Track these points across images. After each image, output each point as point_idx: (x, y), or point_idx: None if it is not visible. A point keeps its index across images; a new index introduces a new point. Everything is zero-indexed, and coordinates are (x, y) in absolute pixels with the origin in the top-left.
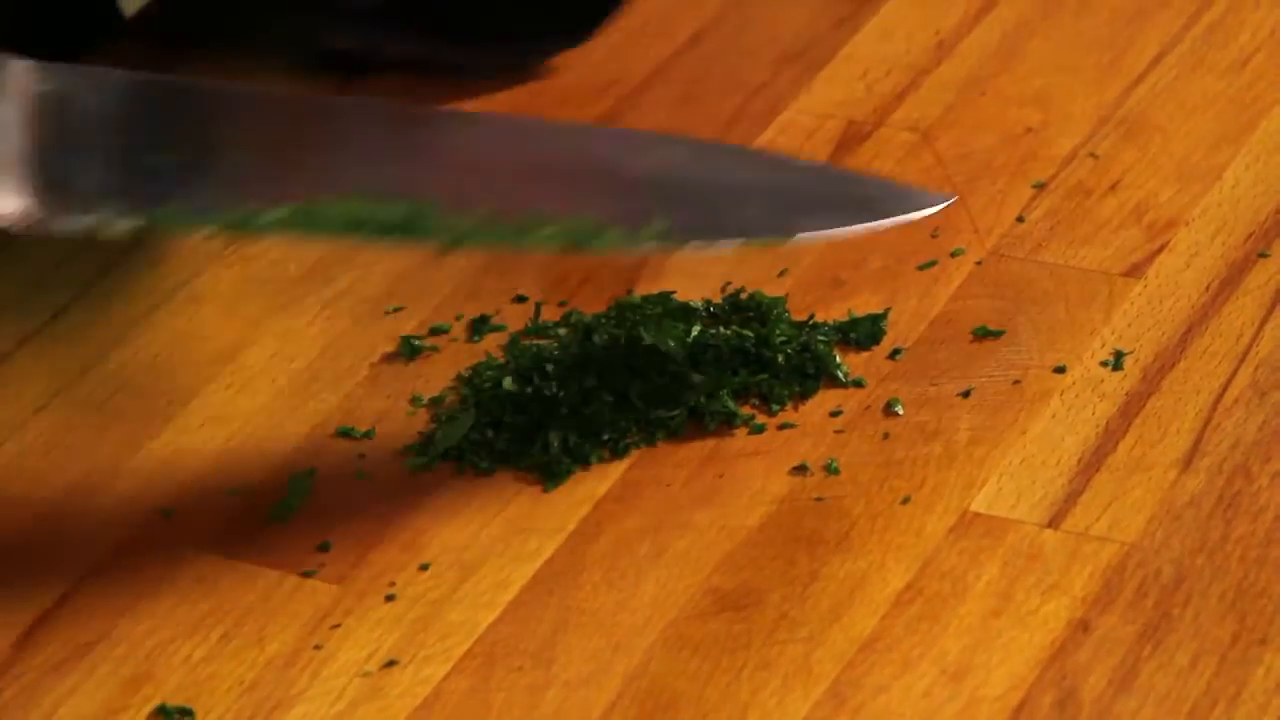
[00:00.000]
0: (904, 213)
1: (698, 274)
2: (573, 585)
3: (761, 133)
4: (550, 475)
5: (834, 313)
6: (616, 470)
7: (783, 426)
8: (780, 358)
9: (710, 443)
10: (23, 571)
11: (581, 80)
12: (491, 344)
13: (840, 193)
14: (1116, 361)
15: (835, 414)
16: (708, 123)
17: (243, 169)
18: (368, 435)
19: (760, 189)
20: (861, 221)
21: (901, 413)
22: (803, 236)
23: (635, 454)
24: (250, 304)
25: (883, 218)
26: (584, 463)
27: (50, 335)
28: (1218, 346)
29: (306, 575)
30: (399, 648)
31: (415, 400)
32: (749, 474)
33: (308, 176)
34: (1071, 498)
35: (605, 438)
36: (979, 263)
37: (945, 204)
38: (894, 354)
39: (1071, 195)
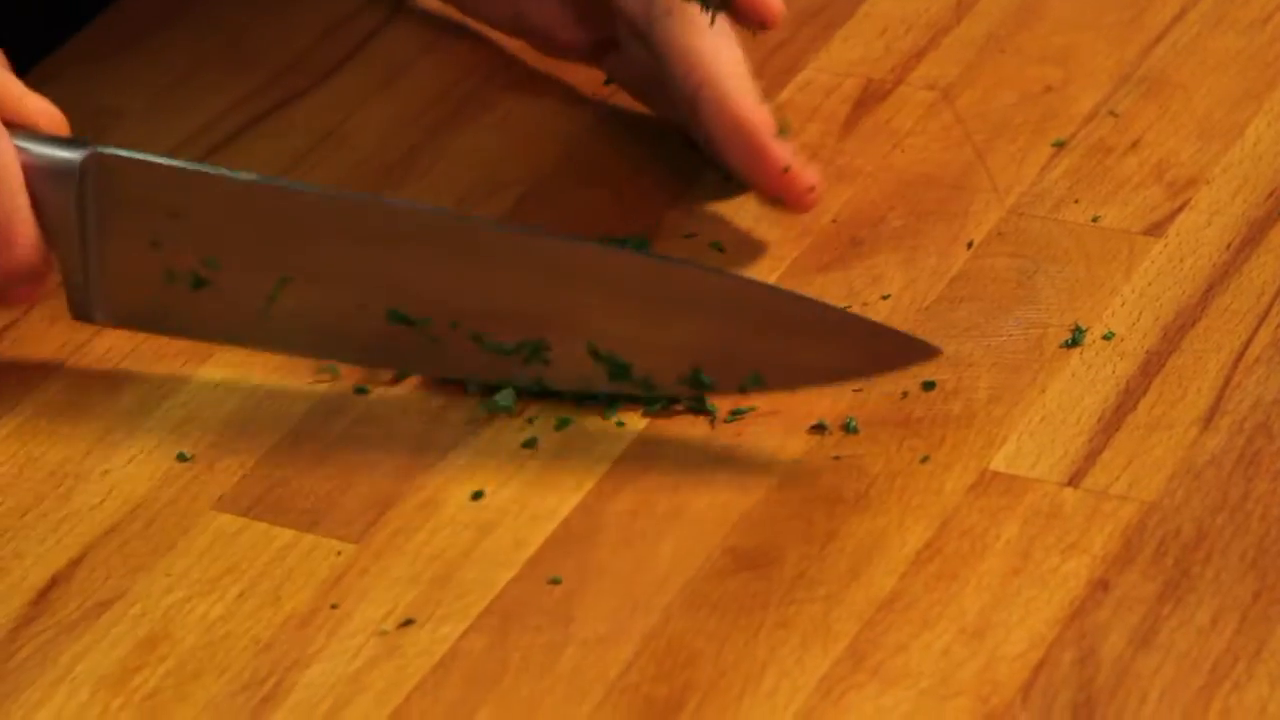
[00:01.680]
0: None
1: (716, 233)
2: (590, 544)
3: (780, 91)
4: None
5: (853, 272)
6: (634, 429)
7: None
8: None
9: (728, 401)
10: (38, 529)
11: None
12: None
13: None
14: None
15: None
16: None
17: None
18: (386, 391)
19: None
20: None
21: (920, 371)
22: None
23: (654, 413)
24: None
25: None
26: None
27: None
28: (1239, 305)
29: (324, 534)
30: (416, 606)
31: None
32: (767, 433)
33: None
34: (1091, 456)
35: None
36: (999, 221)
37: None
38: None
39: (1092, 153)
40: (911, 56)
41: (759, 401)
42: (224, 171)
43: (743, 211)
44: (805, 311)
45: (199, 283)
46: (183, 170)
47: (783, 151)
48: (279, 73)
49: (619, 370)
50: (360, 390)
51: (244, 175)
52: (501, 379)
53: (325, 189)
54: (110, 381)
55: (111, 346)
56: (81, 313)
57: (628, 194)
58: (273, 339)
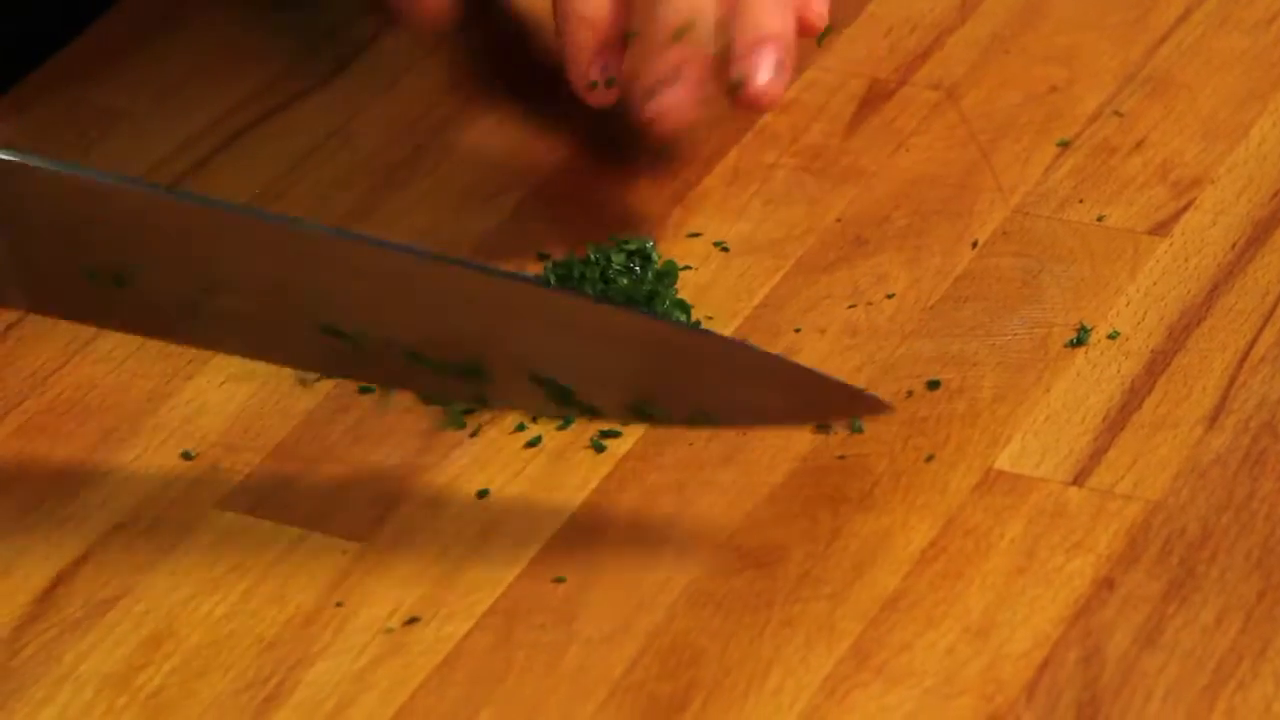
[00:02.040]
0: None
1: (720, 233)
2: (595, 543)
3: (786, 91)
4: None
5: (857, 269)
6: (639, 428)
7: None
8: None
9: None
10: (44, 528)
11: None
12: None
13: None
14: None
15: (859, 371)
16: None
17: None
18: (391, 392)
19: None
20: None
21: (925, 370)
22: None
23: None
24: None
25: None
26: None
27: None
28: (1244, 305)
29: (328, 532)
30: (421, 605)
31: None
32: (772, 432)
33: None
34: (1096, 455)
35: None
36: (1003, 221)
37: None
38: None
39: (1096, 153)
40: (916, 56)
41: None
42: (136, 183)
43: (747, 211)
44: (751, 359)
45: (120, 282)
46: (94, 181)
47: (595, 66)
48: (282, 74)
49: (561, 394)
50: (365, 389)
51: (157, 188)
52: (441, 395)
53: (242, 208)
54: (114, 380)
55: (116, 345)
56: None
57: (631, 194)
58: (200, 338)
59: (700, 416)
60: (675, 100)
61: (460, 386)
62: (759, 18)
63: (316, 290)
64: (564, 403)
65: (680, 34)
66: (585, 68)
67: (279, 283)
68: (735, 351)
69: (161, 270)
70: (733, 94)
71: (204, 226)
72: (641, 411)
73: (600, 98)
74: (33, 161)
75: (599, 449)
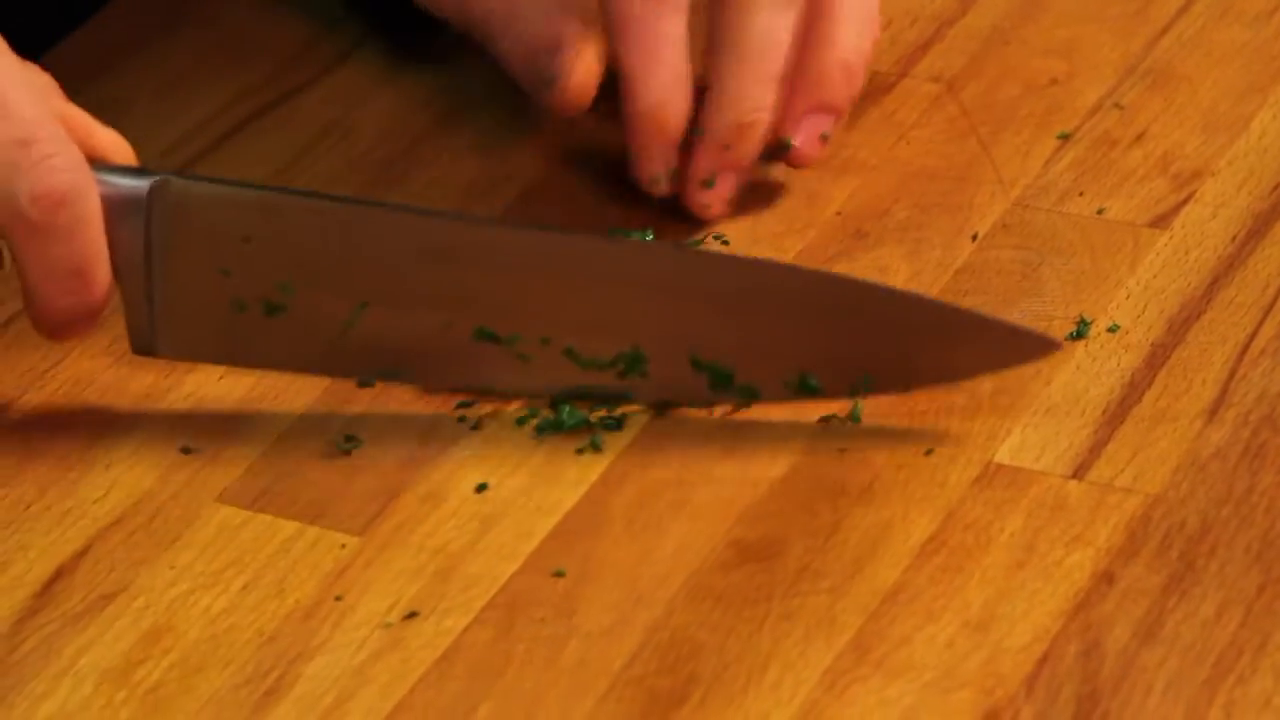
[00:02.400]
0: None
1: (720, 226)
2: (595, 537)
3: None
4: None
5: (858, 264)
6: (639, 422)
7: None
8: None
9: (732, 393)
10: (42, 522)
11: None
12: None
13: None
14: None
15: None
16: None
17: None
18: (389, 384)
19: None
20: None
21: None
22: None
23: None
24: None
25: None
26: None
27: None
28: (1244, 298)
29: (328, 527)
30: (420, 599)
31: None
32: (771, 425)
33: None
34: (1096, 449)
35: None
36: (1004, 214)
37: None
38: None
39: (1097, 146)
40: (916, 49)
41: None
42: (298, 194)
43: (748, 204)
44: (916, 311)
45: (272, 309)
46: (256, 195)
47: (660, 163)
48: (282, 66)
49: (721, 378)
50: (365, 383)
51: (319, 197)
52: (595, 392)
53: (406, 207)
54: (114, 374)
55: (115, 339)
56: (143, 346)
57: (632, 188)
58: (348, 365)
59: (863, 384)
60: (729, 191)
61: (616, 383)
62: (817, 89)
63: (474, 288)
64: (722, 386)
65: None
66: (652, 166)
67: (435, 288)
68: (904, 301)
69: (316, 288)
70: (777, 152)
71: (364, 230)
72: (804, 386)
73: (662, 190)
74: (192, 181)
75: (598, 443)
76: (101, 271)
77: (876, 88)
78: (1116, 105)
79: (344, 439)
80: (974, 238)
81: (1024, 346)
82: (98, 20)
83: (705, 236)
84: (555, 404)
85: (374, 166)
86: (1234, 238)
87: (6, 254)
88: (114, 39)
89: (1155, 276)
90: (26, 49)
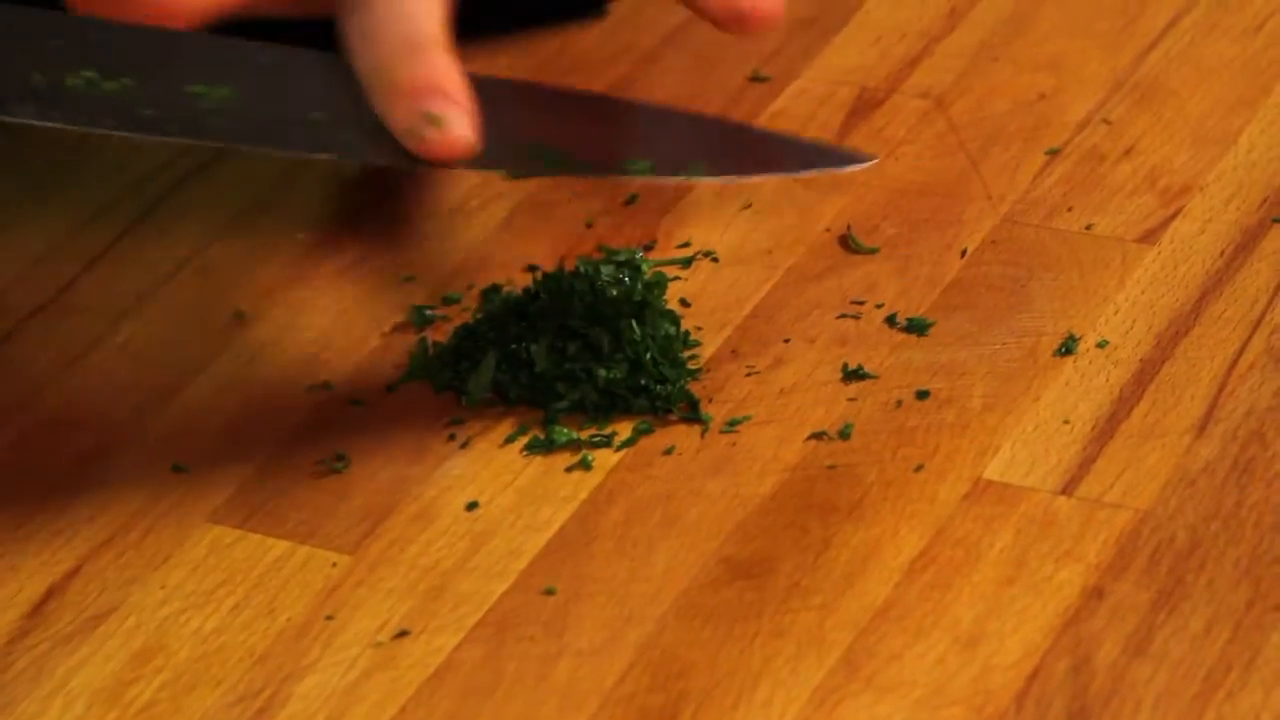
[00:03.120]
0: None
1: (710, 243)
2: (585, 555)
3: (774, 100)
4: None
5: (846, 279)
6: (628, 440)
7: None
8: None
9: (723, 410)
10: (34, 543)
11: (594, 47)
12: None
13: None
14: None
15: (848, 380)
16: (719, 90)
17: None
18: (380, 402)
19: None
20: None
21: (914, 380)
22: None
23: (646, 422)
24: (260, 274)
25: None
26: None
27: (59, 308)
28: (1232, 313)
29: (318, 545)
30: (411, 618)
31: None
32: (761, 442)
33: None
34: (1085, 465)
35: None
36: (992, 229)
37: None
38: (907, 321)
39: (1085, 161)
40: (905, 65)
41: (754, 410)
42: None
43: (737, 221)
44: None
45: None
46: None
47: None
48: None
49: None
50: (355, 402)
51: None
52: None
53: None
54: (105, 392)
55: (107, 358)
56: None
57: (623, 204)
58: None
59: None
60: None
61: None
62: None
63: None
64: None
65: None
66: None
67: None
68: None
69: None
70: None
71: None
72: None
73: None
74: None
75: (587, 461)
76: None
77: (865, 103)
78: (1105, 120)
79: (335, 458)
80: (963, 253)
81: (840, 156)
82: None
83: (694, 255)
84: (546, 422)
85: (365, 184)
86: (1222, 253)
87: None
88: None
89: (1143, 292)
90: None
